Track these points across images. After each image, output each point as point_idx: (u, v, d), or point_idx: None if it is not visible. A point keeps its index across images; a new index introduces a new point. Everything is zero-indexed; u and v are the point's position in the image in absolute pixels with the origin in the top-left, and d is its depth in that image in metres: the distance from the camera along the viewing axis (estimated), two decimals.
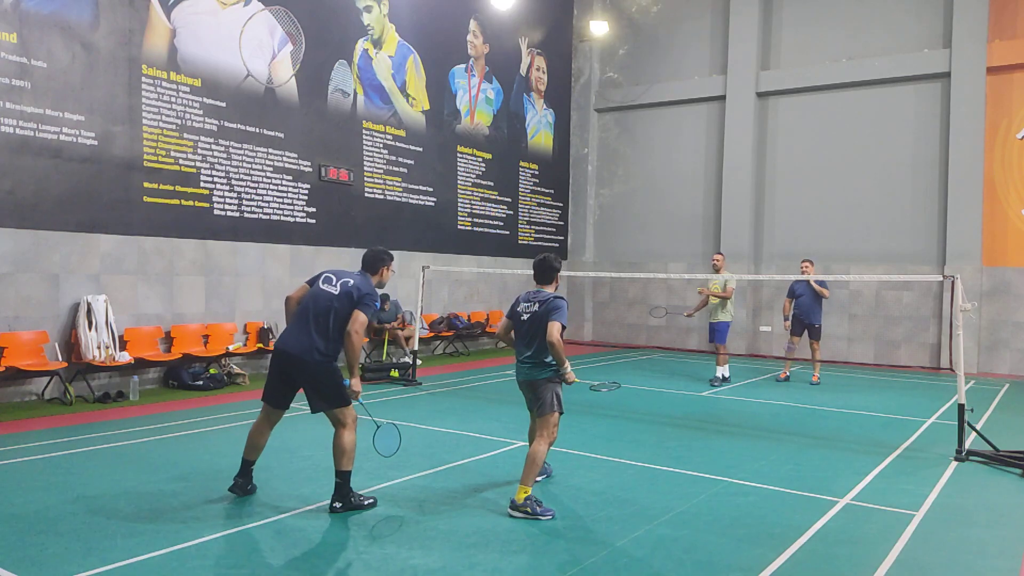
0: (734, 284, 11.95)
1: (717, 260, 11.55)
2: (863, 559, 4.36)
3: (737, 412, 9.25)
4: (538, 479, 5.62)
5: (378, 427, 5.36)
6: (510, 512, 4.97)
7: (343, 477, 5.04)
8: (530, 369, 5.30)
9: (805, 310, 11.75)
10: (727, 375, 11.67)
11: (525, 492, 4.98)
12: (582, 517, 5.03)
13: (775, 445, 7.37)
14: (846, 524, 4.99)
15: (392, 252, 5.67)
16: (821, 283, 11.64)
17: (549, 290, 5.40)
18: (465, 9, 15.35)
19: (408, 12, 13.91)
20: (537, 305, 5.27)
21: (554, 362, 5.21)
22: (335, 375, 5.13)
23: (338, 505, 5.00)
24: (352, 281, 5.20)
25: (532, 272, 5.51)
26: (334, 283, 5.20)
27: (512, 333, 5.54)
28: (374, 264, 5.39)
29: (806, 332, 11.83)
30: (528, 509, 4.93)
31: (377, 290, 5.36)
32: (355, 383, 5.09)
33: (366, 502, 5.11)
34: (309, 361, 5.05)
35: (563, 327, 5.12)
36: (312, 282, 5.33)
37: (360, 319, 5.05)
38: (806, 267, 11.66)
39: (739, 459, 6.72)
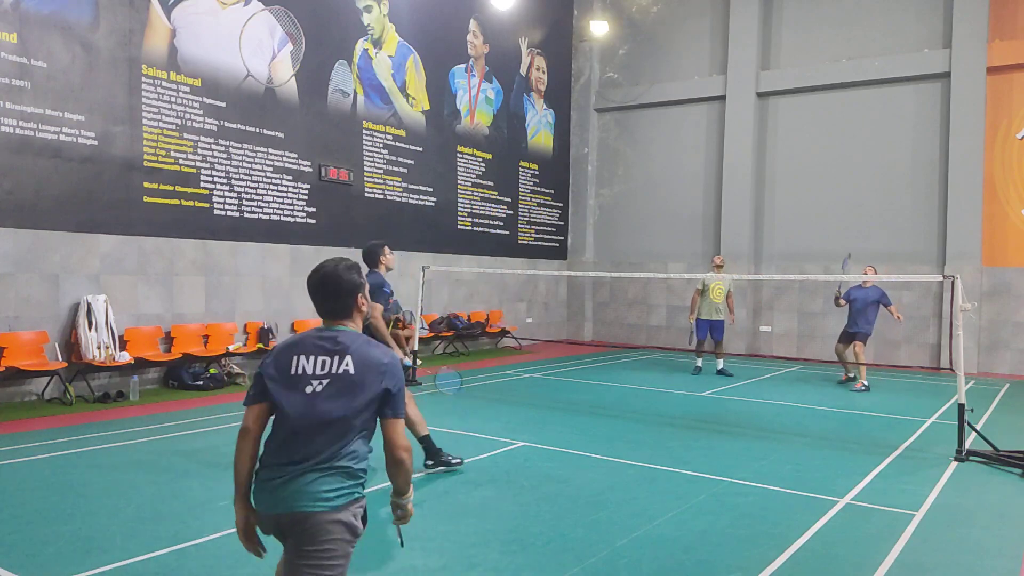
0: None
1: (722, 261, 12.56)
2: (863, 559, 4.36)
3: (737, 412, 9.25)
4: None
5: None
6: None
7: (423, 441, 6.05)
8: (302, 483, 2.58)
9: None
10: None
11: None
12: (582, 517, 5.02)
13: (775, 445, 7.37)
14: (846, 524, 4.99)
15: (391, 250, 6.75)
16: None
17: (353, 328, 2.79)
18: (465, 9, 15.35)
19: (408, 12, 13.91)
20: (343, 361, 2.66)
21: (362, 478, 2.70)
22: None
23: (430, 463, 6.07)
24: None
25: (319, 295, 2.79)
26: None
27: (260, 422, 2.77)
28: (371, 258, 6.58)
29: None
30: None
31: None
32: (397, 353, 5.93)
33: (454, 460, 6.08)
34: None
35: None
36: None
37: (373, 306, 6.14)
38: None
39: (739, 459, 6.72)
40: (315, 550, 2.56)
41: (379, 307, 6.22)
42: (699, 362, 12.62)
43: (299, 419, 2.61)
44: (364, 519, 2.68)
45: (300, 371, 2.66)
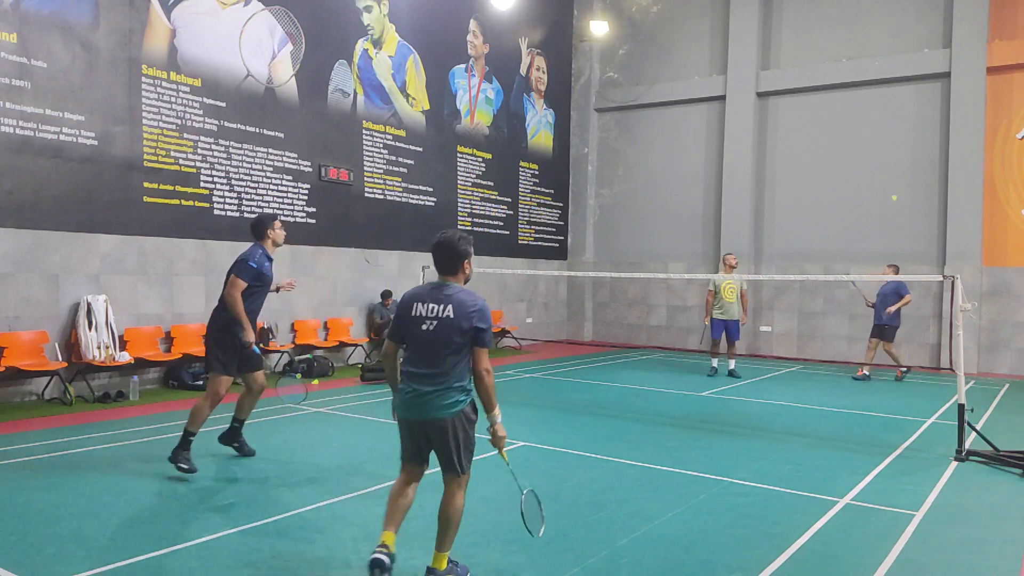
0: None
1: (735, 261, 12.34)
2: (863, 559, 4.36)
3: (737, 412, 9.25)
4: None
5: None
6: None
7: (185, 433, 5.88)
8: (432, 399, 3.77)
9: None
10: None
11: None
12: (582, 517, 5.02)
13: (775, 445, 7.37)
14: (846, 524, 4.99)
15: (282, 225, 6.41)
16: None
17: (457, 283, 3.93)
18: (465, 9, 15.35)
19: (408, 12, 13.91)
20: (446, 308, 3.79)
21: (470, 388, 3.87)
22: (208, 342, 6.14)
23: (170, 456, 5.84)
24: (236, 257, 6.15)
25: (436, 256, 3.99)
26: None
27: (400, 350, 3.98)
28: (259, 230, 6.23)
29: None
30: None
31: (275, 250, 6.27)
32: (244, 335, 5.96)
33: (183, 466, 5.75)
34: (205, 334, 6.26)
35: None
36: None
37: (232, 281, 5.95)
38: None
39: (739, 459, 6.72)
40: (452, 437, 3.81)
41: (240, 284, 5.91)
42: (715, 363, 12.50)
43: (419, 349, 3.81)
44: (475, 410, 3.91)
45: (418, 314, 3.81)
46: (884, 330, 12.07)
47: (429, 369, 3.78)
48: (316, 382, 10.76)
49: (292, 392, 6.85)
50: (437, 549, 3.89)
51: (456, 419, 3.80)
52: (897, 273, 11.67)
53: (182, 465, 5.73)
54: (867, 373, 12.31)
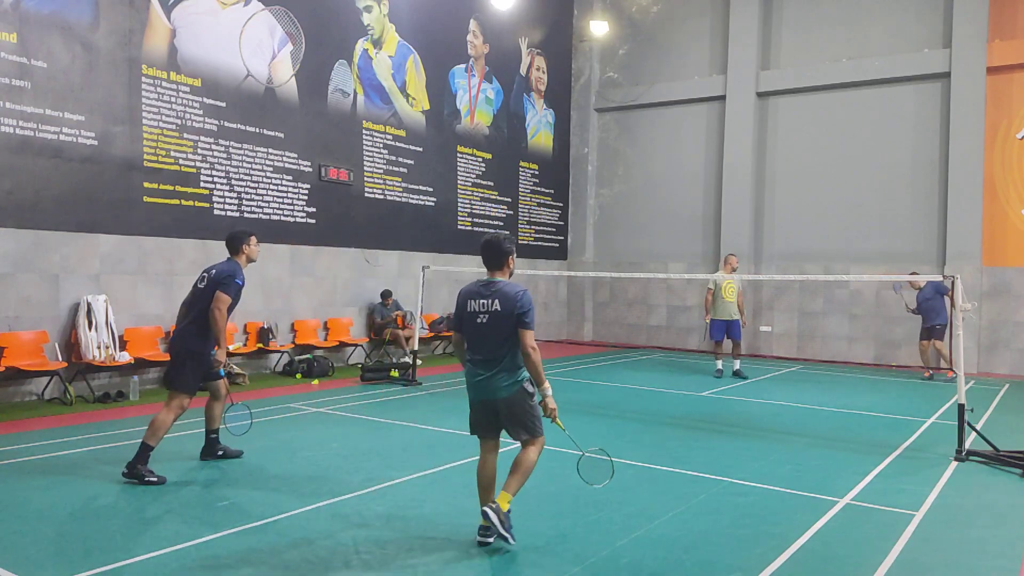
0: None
1: (737, 262, 12.36)
2: (863, 559, 4.36)
3: (737, 412, 9.25)
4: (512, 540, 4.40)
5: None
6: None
7: (143, 447, 5.65)
8: (494, 381, 4.44)
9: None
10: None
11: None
12: (582, 517, 5.03)
13: (775, 445, 7.37)
14: (846, 524, 4.99)
15: (257, 241, 6.35)
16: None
17: (503, 278, 4.58)
18: (465, 9, 15.35)
19: (408, 12, 13.91)
20: (494, 302, 4.43)
21: (523, 367, 4.50)
22: (178, 361, 5.96)
23: (125, 471, 5.62)
24: (215, 270, 6.02)
25: (484, 255, 4.65)
26: (203, 280, 6.02)
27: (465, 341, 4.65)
28: (235, 245, 6.17)
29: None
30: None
31: (250, 265, 6.24)
32: (218, 354, 5.94)
33: (151, 479, 5.57)
34: (173, 350, 6.02)
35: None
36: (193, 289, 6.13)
37: (219, 297, 5.86)
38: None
39: (739, 459, 6.72)
40: (515, 411, 4.44)
41: (226, 299, 5.86)
42: (719, 364, 12.42)
43: (478, 339, 4.46)
44: (531, 384, 4.47)
45: (472, 309, 4.48)
46: (934, 330, 12.23)
47: (487, 355, 4.42)
48: (316, 382, 10.76)
49: (238, 423, 6.67)
50: (504, 488, 4.40)
51: (516, 396, 4.42)
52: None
53: (150, 479, 5.54)
54: (932, 374, 12.41)
